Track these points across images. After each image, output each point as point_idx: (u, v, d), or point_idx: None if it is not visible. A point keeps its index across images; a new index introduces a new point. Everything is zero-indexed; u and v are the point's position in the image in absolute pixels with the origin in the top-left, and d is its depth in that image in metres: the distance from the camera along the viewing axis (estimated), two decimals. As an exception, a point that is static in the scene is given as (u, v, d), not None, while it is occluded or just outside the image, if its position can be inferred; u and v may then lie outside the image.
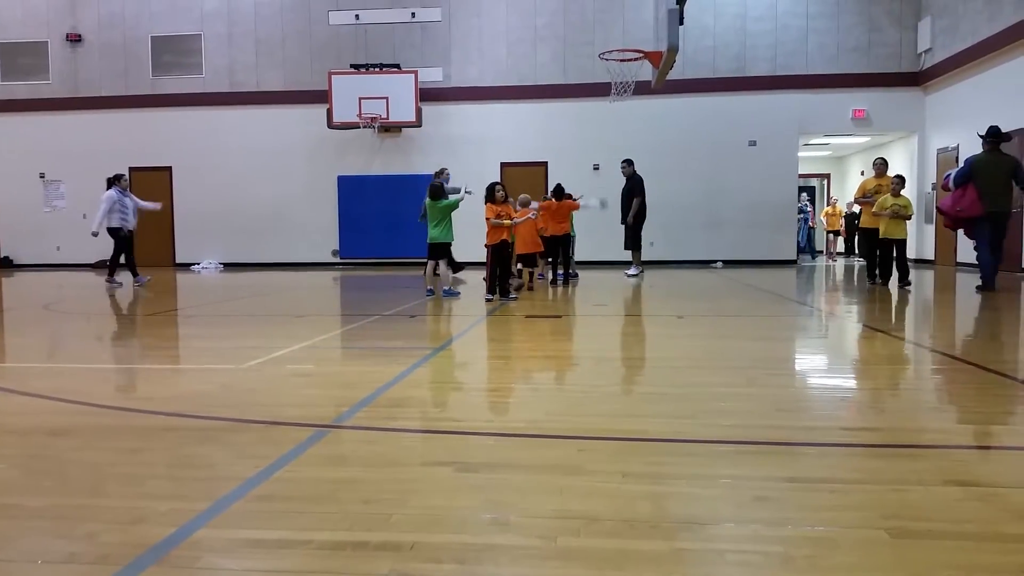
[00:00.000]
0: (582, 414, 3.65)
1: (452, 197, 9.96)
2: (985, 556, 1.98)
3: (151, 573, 1.93)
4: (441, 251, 10.07)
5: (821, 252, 22.27)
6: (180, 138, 18.87)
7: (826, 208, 21.22)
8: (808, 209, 20.90)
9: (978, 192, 9.55)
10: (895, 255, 10.78)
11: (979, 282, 10.00)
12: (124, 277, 13.29)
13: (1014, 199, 10.00)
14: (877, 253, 10.99)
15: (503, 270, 9.64)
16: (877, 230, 10.86)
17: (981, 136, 10.01)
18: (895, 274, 10.90)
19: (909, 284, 10.71)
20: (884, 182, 11.13)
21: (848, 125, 17.52)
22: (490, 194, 9.78)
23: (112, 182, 12.89)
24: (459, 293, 10.27)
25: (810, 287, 12.06)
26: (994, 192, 9.59)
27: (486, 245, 9.69)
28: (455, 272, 11.43)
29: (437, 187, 9.91)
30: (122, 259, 12.96)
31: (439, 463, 2.83)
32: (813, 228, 21.15)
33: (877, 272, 10.98)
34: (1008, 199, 9.72)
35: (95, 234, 12.89)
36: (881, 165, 11.59)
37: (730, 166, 17.50)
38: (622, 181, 13.51)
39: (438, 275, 10.22)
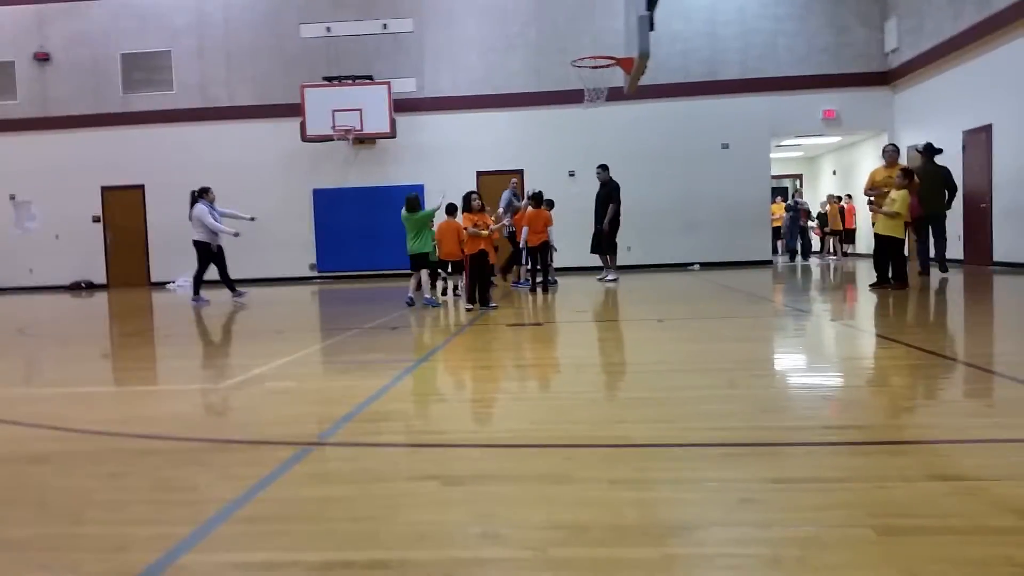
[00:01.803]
0: (567, 422, 3.64)
1: (427, 208, 10.06)
2: (972, 549, 2.00)
3: (136, 601, 1.90)
4: (422, 261, 10.15)
5: (817, 253, 21.28)
6: (152, 155, 18.68)
7: (825, 207, 19.82)
8: (799, 207, 19.76)
9: (918, 197, 10.74)
10: (891, 254, 9.81)
11: (925, 270, 11.72)
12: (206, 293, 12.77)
13: (945, 202, 11.72)
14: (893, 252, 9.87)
15: (482, 279, 9.63)
16: (896, 236, 9.75)
17: (918, 150, 12.18)
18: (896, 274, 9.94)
19: (904, 286, 9.80)
20: (894, 172, 10.21)
21: (819, 126, 17.72)
22: (466, 204, 9.80)
23: (198, 196, 12.21)
24: (440, 303, 10.28)
25: (788, 287, 12.15)
26: (930, 197, 11.39)
27: (464, 255, 9.69)
28: (436, 281, 11.42)
29: (413, 199, 9.99)
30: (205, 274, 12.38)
31: (425, 477, 2.82)
32: (805, 227, 19.77)
33: (889, 274, 9.84)
34: (941, 202, 11.61)
35: (236, 234, 12.17)
36: (892, 153, 10.82)
37: (704, 169, 17.62)
38: (598, 186, 13.55)
39: (435, 287, 10.30)
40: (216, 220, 12.08)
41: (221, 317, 10.30)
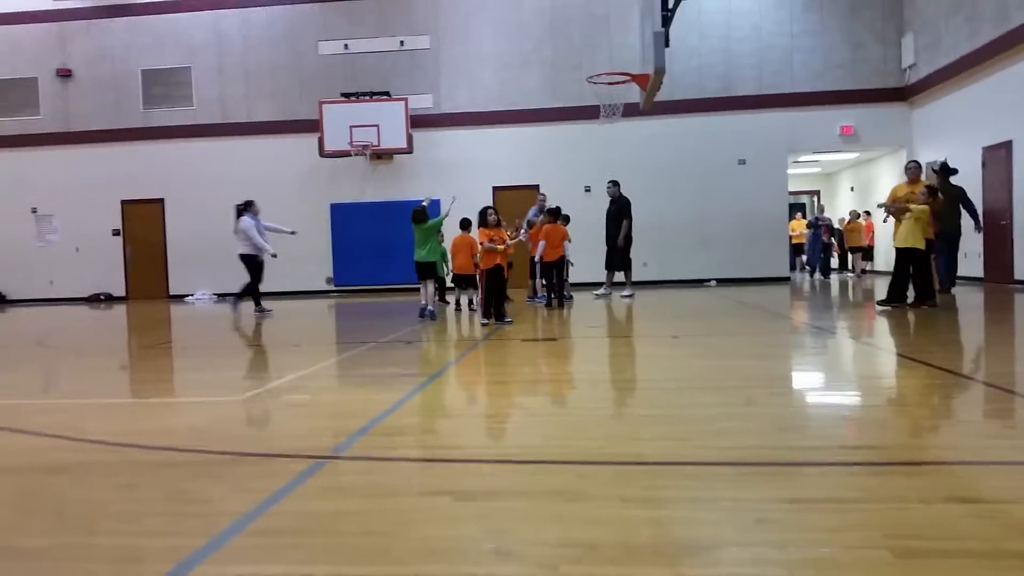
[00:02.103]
0: (580, 438, 3.63)
1: (438, 214, 10.17)
2: (989, 573, 1.97)
3: (150, 613, 1.90)
4: (429, 270, 10.26)
5: (836, 270, 20.49)
6: (172, 170, 18.90)
7: (847, 223, 19.20)
8: (822, 224, 19.11)
9: (934, 215, 10.41)
10: (913, 269, 9.51)
11: (944, 288, 11.58)
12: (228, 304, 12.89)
13: (975, 225, 12.10)
14: (912, 269, 9.67)
15: (499, 294, 9.65)
16: (917, 248, 9.52)
17: (935, 170, 12.22)
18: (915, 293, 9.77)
19: (933, 304, 9.58)
20: (917, 189, 9.95)
21: (836, 142, 17.66)
22: (482, 218, 9.84)
23: (244, 209, 12.49)
24: (436, 317, 10.35)
25: (806, 305, 12.08)
26: (946, 215, 11.25)
27: (480, 270, 9.72)
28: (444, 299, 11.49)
29: (420, 211, 10.13)
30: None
31: (438, 492, 2.81)
32: (829, 244, 19.11)
33: (910, 291, 9.70)
34: (957, 221, 11.78)
35: (275, 255, 12.49)
36: (915, 170, 10.41)
37: (720, 185, 17.60)
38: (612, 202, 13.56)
39: (444, 300, 10.38)
40: (261, 233, 12.37)
41: (239, 330, 10.35)
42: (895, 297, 9.66)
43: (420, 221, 10.13)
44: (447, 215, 10.35)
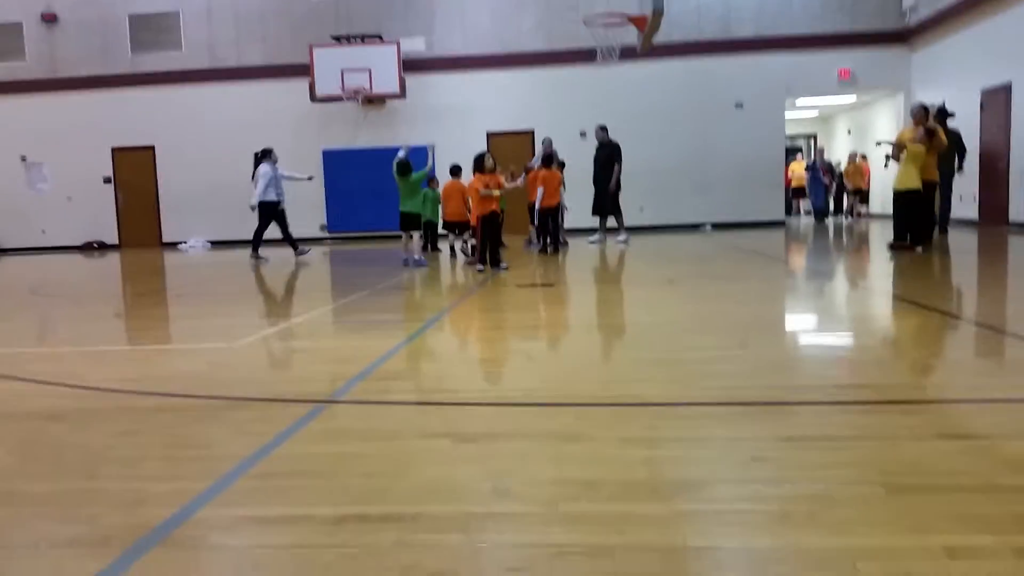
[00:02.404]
0: (578, 381, 3.66)
1: (419, 169, 10.27)
2: (980, 507, 2.00)
3: (154, 554, 1.93)
4: (414, 222, 10.24)
5: (840, 213, 19.85)
6: (162, 117, 18.61)
7: (846, 165, 18.66)
8: (819, 165, 18.54)
9: (938, 157, 10.18)
10: (913, 211, 9.31)
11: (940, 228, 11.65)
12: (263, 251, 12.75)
13: (956, 166, 12.31)
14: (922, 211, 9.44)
15: (494, 241, 9.62)
16: (915, 191, 9.30)
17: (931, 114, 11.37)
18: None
19: (928, 245, 9.46)
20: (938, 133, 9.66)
21: (834, 85, 17.43)
22: (479, 164, 9.72)
23: (263, 157, 12.43)
24: (426, 263, 10.36)
25: (802, 248, 12.09)
26: (942, 160, 10.72)
27: (476, 216, 9.67)
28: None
29: (404, 163, 10.08)
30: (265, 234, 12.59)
31: (437, 435, 2.84)
32: (829, 187, 18.53)
33: (908, 234, 9.42)
34: (952, 166, 11.96)
35: (253, 208, 12.38)
36: (919, 112, 9.85)
37: (717, 129, 17.42)
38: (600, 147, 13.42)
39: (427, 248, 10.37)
40: (279, 181, 12.37)
41: (233, 277, 10.34)
42: (900, 238, 9.48)
43: (405, 174, 10.06)
44: (430, 167, 10.32)
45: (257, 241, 12.50)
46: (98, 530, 2.08)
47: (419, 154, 11.04)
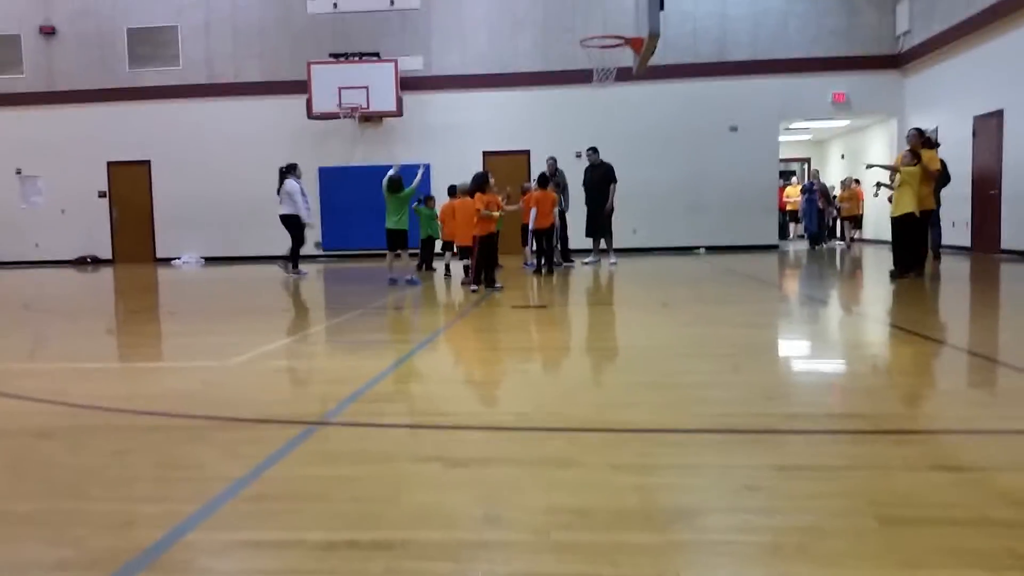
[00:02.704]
0: (571, 405, 3.65)
1: (408, 187, 10.42)
2: (973, 541, 2.00)
3: (142, 578, 1.91)
4: (400, 239, 10.39)
5: (833, 238, 19.30)
6: (159, 131, 18.63)
7: (840, 190, 18.37)
8: (815, 188, 18.24)
9: (935, 182, 10.12)
10: (908, 236, 9.35)
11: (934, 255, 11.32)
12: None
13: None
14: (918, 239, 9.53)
15: (490, 261, 9.62)
16: (909, 214, 9.32)
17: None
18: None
19: (920, 273, 9.46)
20: (923, 156, 9.62)
21: (828, 109, 17.57)
22: (481, 184, 9.71)
23: (288, 172, 12.60)
24: (419, 282, 10.40)
25: (795, 273, 12.12)
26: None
27: (474, 236, 9.67)
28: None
29: (397, 180, 10.19)
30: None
31: (429, 459, 2.83)
32: (824, 212, 18.24)
33: (896, 263, 9.50)
34: (937, 193, 11.05)
35: (307, 224, 12.67)
36: (913, 137, 9.90)
37: (712, 151, 17.52)
38: (584, 170, 13.50)
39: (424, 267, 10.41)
40: (304, 196, 12.61)
41: (227, 294, 10.32)
42: (902, 265, 9.43)
43: (396, 191, 10.20)
44: (418, 183, 10.47)
45: (296, 258, 12.67)
46: (86, 553, 2.06)
47: (412, 173, 11.07)
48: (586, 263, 13.47)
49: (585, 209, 13.46)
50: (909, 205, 9.30)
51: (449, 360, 5.25)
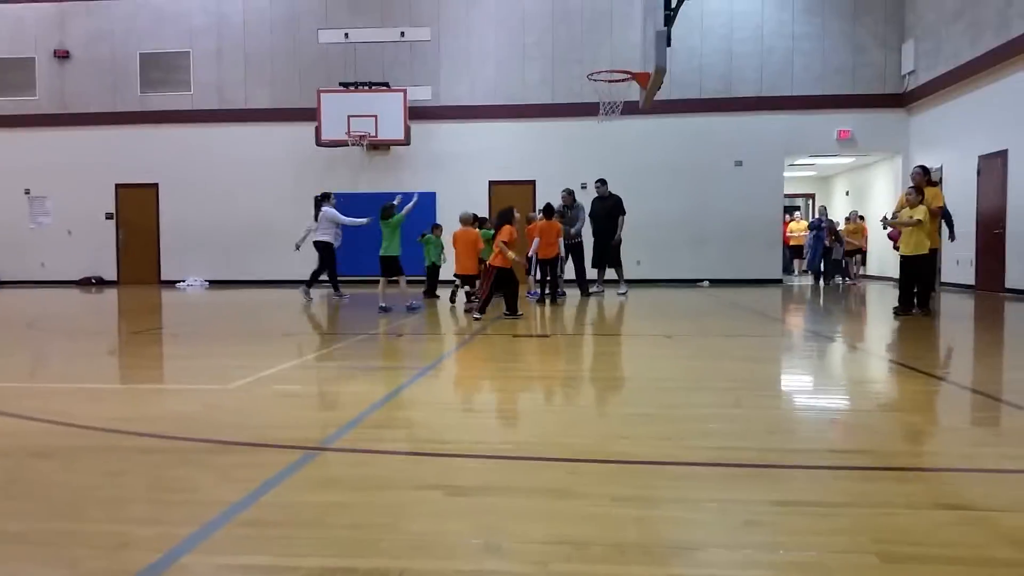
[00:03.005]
0: (572, 436, 3.63)
1: (399, 212, 10.57)
2: (976, 582, 1.98)
3: (135, 601, 1.89)
4: (393, 265, 10.53)
5: (838, 275, 18.37)
6: (168, 155, 18.79)
7: (845, 225, 18.11)
8: (824, 224, 17.78)
9: (941, 218, 10.09)
10: (916, 275, 9.35)
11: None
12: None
13: (948, 235, 11.41)
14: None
15: (512, 290, 9.63)
16: (923, 255, 9.31)
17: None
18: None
19: (927, 311, 9.38)
20: (927, 193, 9.64)
21: (833, 146, 17.66)
22: (509, 218, 9.85)
23: (323, 200, 13.12)
24: (422, 306, 10.43)
25: (799, 308, 12.10)
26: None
27: (491, 265, 9.66)
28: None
29: (390, 207, 10.42)
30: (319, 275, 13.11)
31: (428, 486, 2.81)
32: (831, 248, 17.80)
33: (901, 300, 9.53)
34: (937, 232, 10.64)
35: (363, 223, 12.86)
36: (918, 175, 9.83)
37: (716, 186, 17.59)
38: (603, 201, 13.56)
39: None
40: (339, 226, 12.93)
41: (230, 318, 10.33)
42: (907, 302, 9.42)
43: (388, 217, 10.33)
44: (409, 210, 10.62)
45: (335, 281, 12.98)
46: (80, 574, 2.05)
47: (409, 200, 11.15)
48: (590, 293, 13.48)
49: (593, 240, 13.54)
50: (923, 245, 9.23)
51: (450, 388, 5.23)
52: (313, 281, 13.02)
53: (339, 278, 13.29)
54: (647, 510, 2.54)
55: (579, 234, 13.28)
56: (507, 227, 9.68)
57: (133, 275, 19.09)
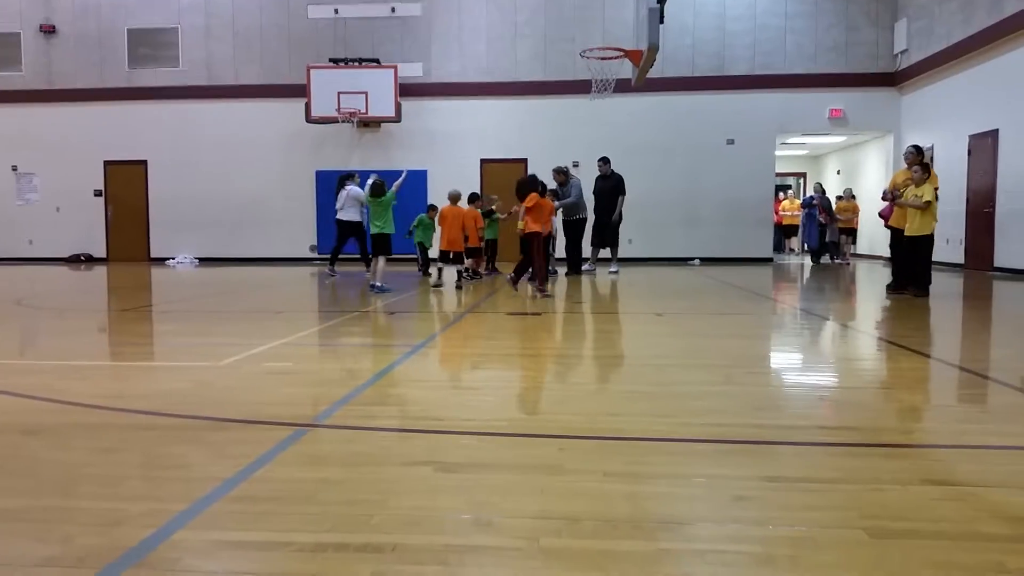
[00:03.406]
0: (562, 413, 3.65)
1: (390, 190, 10.20)
2: (962, 555, 2.00)
3: (128, 576, 1.90)
4: (385, 243, 10.21)
5: (837, 254, 18.06)
6: (156, 131, 18.64)
7: (837, 203, 17.83)
8: (816, 202, 17.72)
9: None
10: (915, 255, 9.29)
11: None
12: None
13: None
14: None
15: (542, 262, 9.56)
16: (902, 230, 9.43)
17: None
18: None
19: (919, 292, 9.25)
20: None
21: (825, 124, 17.66)
22: (534, 185, 9.74)
23: (348, 180, 13.19)
24: (392, 289, 10.14)
25: (789, 286, 12.15)
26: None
27: (529, 234, 9.53)
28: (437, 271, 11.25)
29: (378, 184, 10.09)
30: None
31: (419, 463, 2.82)
32: (826, 225, 17.57)
33: (895, 278, 9.72)
34: None
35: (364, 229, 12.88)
36: (912, 154, 9.76)
37: (708, 164, 17.59)
38: (595, 179, 13.52)
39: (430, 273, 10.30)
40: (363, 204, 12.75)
41: (221, 295, 10.29)
42: (903, 281, 9.44)
43: (379, 195, 10.08)
44: (399, 187, 10.31)
45: (365, 257, 12.85)
46: (72, 550, 2.05)
47: (395, 178, 10.98)
48: (583, 270, 13.44)
49: (593, 218, 13.49)
50: (928, 226, 9.12)
51: (441, 366, 5.24)
52: (334, 258, 13.27)
53: (357, 255, 13.37)
54: (638, 486, 2.56)
55: (581, 211, 13.02)
56: (533, 194, 9.62)
57: (122, 253, 18.99)
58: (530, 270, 9.74)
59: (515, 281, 9.69)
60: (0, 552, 2.08)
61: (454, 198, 11.20)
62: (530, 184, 9.75)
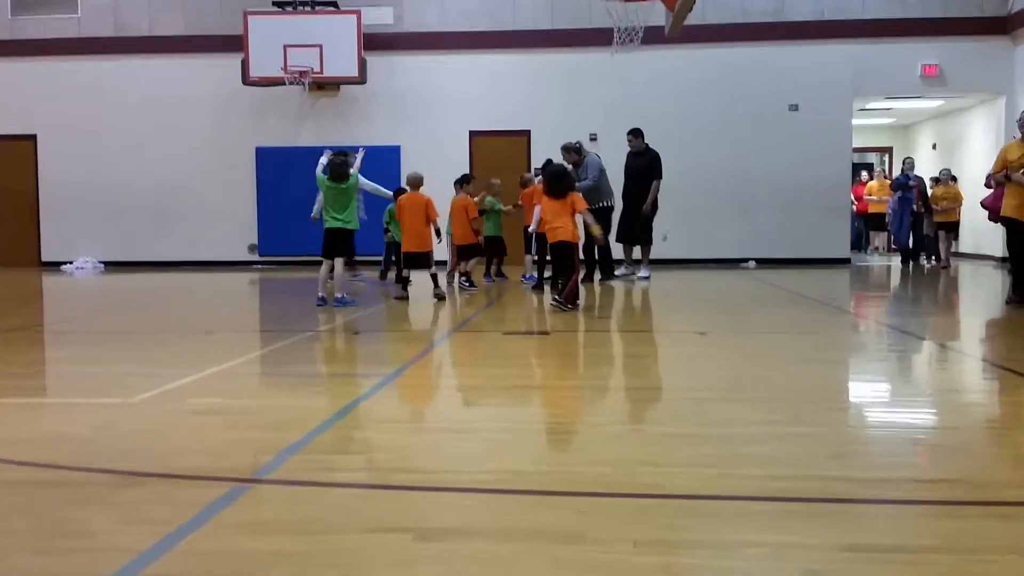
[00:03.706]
0: (580, 463, 3.65)
1: (352, 172, 10.03)
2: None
3: None
4: (346, 241, 10.08)
5: (930, 255, 18.18)
6: (48, 97, 18.64)
7: (935, 188, 17.31)
8: (913, 184, 17.21)
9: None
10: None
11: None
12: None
13: None
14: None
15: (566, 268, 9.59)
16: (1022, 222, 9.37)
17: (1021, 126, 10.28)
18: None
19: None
20: None
21: (916, 85, 17.69)
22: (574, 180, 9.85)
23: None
24: (356, 302, 10.07)
25: (873, 296, 12.17)
26: None
27: (564, 241, 9.56)
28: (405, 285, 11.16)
29: (341, 164, 9.87)
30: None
31: (392, 529, 2.82)
32: (920, 215, 17.34)
33: (1015, 286, 9.52)
34: None
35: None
36: None
37: (765, 138, 17.59)
38: (626, 156, 13.52)
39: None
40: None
41: (133, 310, 10.30)
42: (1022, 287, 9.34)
43: (341, 179, 9.83)
44: (358, 169, 10.16)
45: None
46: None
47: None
48: (617, 276, 13.23)
49: (620, 206, 13.36)
50: None
51: (420, 401, 5.24)
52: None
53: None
54: (677, 557, 2.56)
55: (604, 197, 12.76)
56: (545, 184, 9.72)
57: (5, 255, 18.98)
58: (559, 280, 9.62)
59: (569, 302, 9.30)
60: None
61: (414, 183, 10.82)
62: (568, 178, 9.65)
